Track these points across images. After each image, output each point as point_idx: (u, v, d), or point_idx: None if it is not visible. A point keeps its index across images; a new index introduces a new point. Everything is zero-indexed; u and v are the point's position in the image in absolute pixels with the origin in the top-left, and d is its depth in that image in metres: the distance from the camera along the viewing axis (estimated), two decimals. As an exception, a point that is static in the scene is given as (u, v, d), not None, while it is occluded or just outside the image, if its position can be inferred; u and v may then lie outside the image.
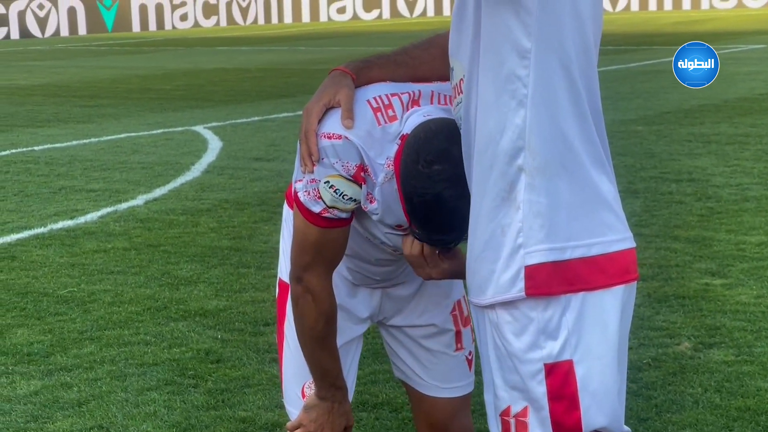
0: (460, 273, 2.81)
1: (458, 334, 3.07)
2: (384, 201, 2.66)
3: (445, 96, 2.70)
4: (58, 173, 10.36)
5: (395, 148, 2.62)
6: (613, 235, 2.38)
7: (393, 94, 2.69)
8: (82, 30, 36.69)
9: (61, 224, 8.15)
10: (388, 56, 2.82)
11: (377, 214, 2.67)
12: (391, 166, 2.62)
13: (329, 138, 2.62)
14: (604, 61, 19.76)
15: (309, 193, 2.66)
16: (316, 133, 2.63)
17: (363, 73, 2.75)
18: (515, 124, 2.32)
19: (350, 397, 3.01)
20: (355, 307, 3.03)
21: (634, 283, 2.45)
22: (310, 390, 2.95)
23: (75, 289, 6.43)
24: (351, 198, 2.65)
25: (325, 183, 2.64)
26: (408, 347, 3.09)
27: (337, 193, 2.65)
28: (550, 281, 2.33)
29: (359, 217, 2.76)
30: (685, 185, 8.78)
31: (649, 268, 6.43)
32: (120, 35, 35.70)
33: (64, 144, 12.21)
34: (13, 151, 11.78)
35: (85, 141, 12.41)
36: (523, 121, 2.32)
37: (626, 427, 2.46)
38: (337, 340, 2.89)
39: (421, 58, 2.80)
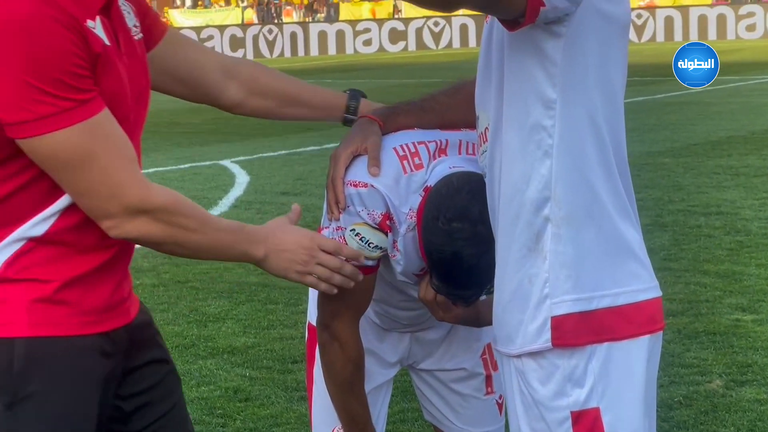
0: (473, 320, 2.81)
1: (488, 378, 3.06)
2: (406, 251, 2.67)
3: (473, 145, 2.70)
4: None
5: (419, 199, 2.64)
6: (639, 284, 2.37)
7: (420, 143, 2.70)
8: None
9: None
10: (415, 103, 2.83)
11: (401, 264, 2.69)
12: (413, 218, 2.64)
13: (355, 186, 2.63)
14: (631, 92, 19.69)
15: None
16: (342, 180, 2.64)
17: (390, 119, 2.76)
18: (541, 174, 2.32)
19: (380, 441, 3.00)
20: (384, 351, 3.03)
21: (660, 333, 2.43)
22: None
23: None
24: (377, 246, 2.66)
25: (351, 231, 2.65)
26: (438, 391, 3.08)
27: (363, 241, 2.65)
28: (576, 331, 2.33)
29: (384, 263, 2.76)
30: (714, 218, 8.74)
31: (678, 303, 6.40)
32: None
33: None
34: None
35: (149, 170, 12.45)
36: (548, 171, 2.31)
37: None
38: (366, 386, 2.89)
39: (448, 104, 2.80)
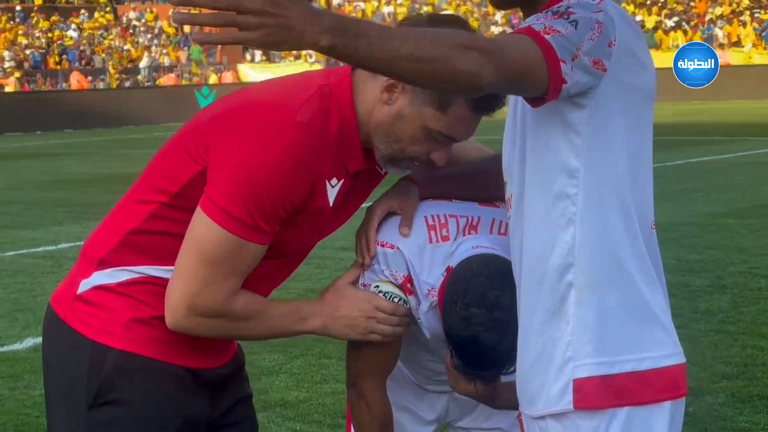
0: (490, 400, 2.84)
1: None
2: (430, 326, 2.75)
3: (505, 225, 2.73)
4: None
5: (441, 279, 2.69)
6: (662, 350, 2.40)
7: (452, 216, 2.77)
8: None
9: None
10: (454, 170, 2.86)
11: (427, 329, 2.75)
12: (435, 297, 2.70)
13: (383, 246, 2.72)
14: (698, 152, 19.66)
15: None
16: (375, 233, 2.73)
17: (430, 184, 2.83)
18: (565, 241, 2.36)
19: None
20: (421, 409, 3.06)
21: (683, 399, 2.45)
22: None
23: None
24: (400, 299, 2.73)
25: (375, 287, 2.73)
26: (476, 449, 3.10)
27: (387, 297, 2.71)
28: (598, 394, 2.35)
29: (414, 323, 2.80)
30: (775, 281, 8.66)
31: (734, 366, 6.35)
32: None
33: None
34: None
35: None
36: (572, 238, 2.35)
37: None
38: None
39: (486, 174, 2.80)
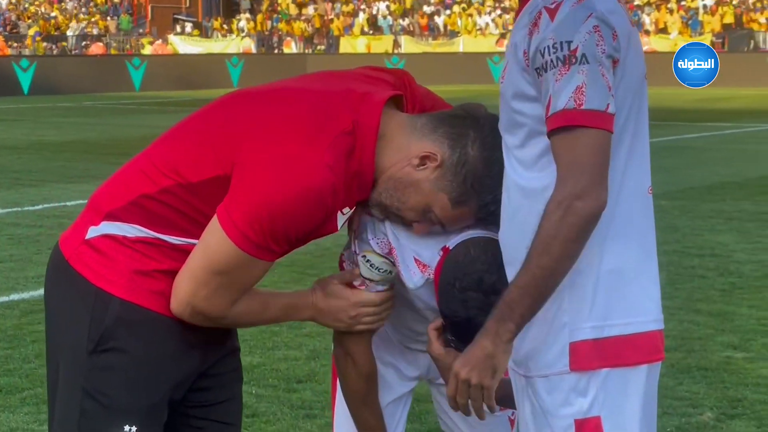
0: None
1: None
2: (423, 298, 2.89)
3: None
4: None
5: (436, 258, 2.81)
6: (647, 315, 2.54)
7: None
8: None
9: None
10: None
11: (413, 282, 2.87)
12: (431, 274, 2.82)
13: (370, 216, 2.86)
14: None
15: (349, 265, 2.91)
16: (362, 207, 2.86)
17: None
18: None
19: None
20: (404, 366, 3.20)
21: (659, 363, 2.60)
22: None
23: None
24: (385, 270, 2.86)
25: (362, 257, 2.86)
26: (454, 404, 3.24)
27: (372, 267, 2.86)
28: (590, 357, 2.49)
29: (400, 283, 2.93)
30: (708, 260, 8.94)
31: (672, 339, 6.57)
32: (147, 94, 36.14)
33: (97, 200, 12.40)
34: (46, 205, 11.96)
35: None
36: None
37: None
38: (386, 397, 3.08)
39: None
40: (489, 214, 2.74)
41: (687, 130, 21.07)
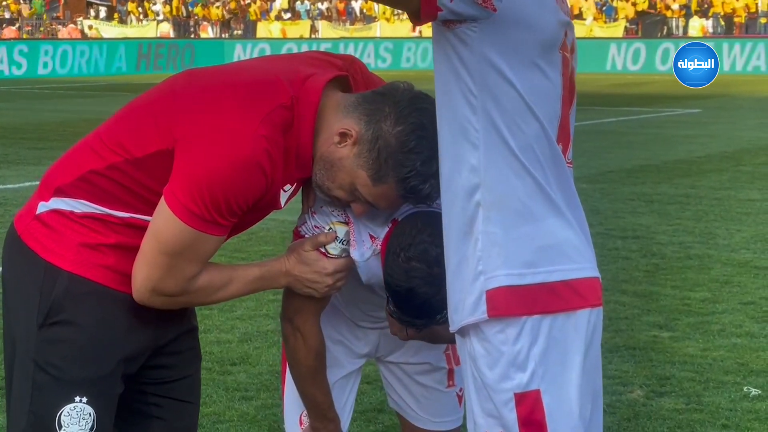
0: (428, 339, 3.02)
1: (450, 372, 3.27)
2: (369, 272, 2.92)
3: None
4: (12, 214, 10.42)
5: (385, 230, 2.86)
6: (572, 264, 2.58)
7: None
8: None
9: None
10: None
11: (364, 256, 2.91)
12: (378, 245, 2.86)
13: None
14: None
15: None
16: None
17: None
18: (471, 163, 2.53)
19: (347, 426, 3.20)
20: (354, 343, 3.24)
21: (599, 309, 2.65)
22: (307, 419, 3.14)
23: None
24: (344, 240, 2.89)
25: (329, 230, 2.89)
26: (403, 382, 3.29)
27: (337, 240, 2.88)
28: (509, 304, 2.54)
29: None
30: (631, 242, 9.08)
31: (599, 319, 6.68)
32: (63, 78, 35.66)
33: (17, 185, 12.27)
34: (-35, 190, 11.84)
35: (37, 182, 12.42)
36: (477, 161, 2.53)
37: None
38: (335, 374, 3.11)
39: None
40: (412, 190, 2.76)
41: (605, 114, 21.33)
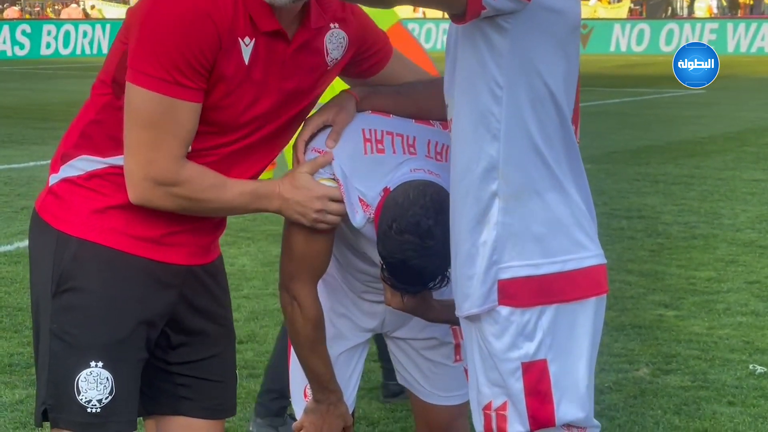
0: (422, 313, 3.04)
1: (457, 347, 3.28)
2: (365, 237, 2.92)
3: (442, 145, 2.92)
4: (18, 193, 10.44)
5: (378, 198, 2.85)
6: (585, 252, 2.62)
7: (388, 132, 2.92)
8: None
9: (27, 242, 8.24)
10: (394, 87, 3.04)
11: (357, 218, 2.89)
12: (371, 213, 2.86)
13: (316, 151, 2.89)
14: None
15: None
16: (305, 143, 2.89)
17: (368, 99, 2.99)
18: (489, 155, 2.56)
19: (352, 399, 3.21)
20: (359, 318, 3.24)
21: (605, 296, 2.70)
22: (311, 392, 3.16)
23: (48, 305, 6.56)
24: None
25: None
26: (411, 357, 3.30)
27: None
28: (521, 294, 2.57)
29: (348, 227, 2.95)
30: (636, 222, 9.09)
31: (606, 299, 6.70)
32: (66, 59, 35.62)
33: (22, 165, 12.28)
34: (-29, 170, 11.85)
35: (42, 162, 12.43)
36: (497, 152, 2.56)
37: (596, 421, 2.71)
38: (339, 346, 3.13)
39: (424, 93, 3.00)
40: None
41: (609, 95, 21.31)
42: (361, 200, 2.87)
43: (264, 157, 2.88)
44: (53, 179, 2.80)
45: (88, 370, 2.73)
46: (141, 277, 2.77)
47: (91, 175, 2.75)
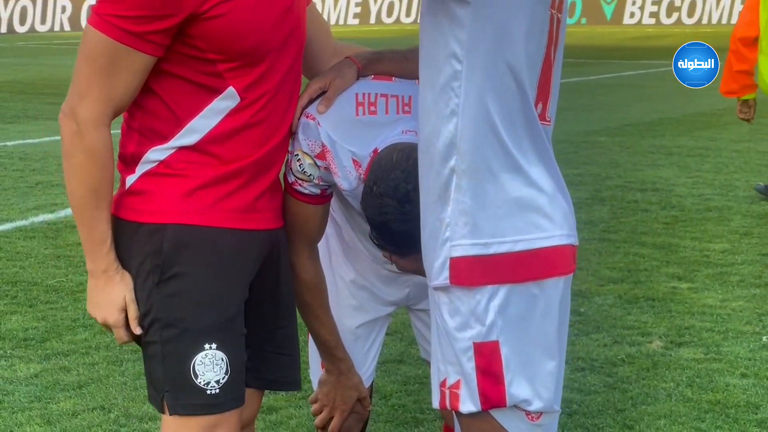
0: (420, 271, 3.04)
1: None
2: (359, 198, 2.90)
3: None
4: (33, 168, 10.47)
5: (368, 159, 2.85)
6: (539, 233, 2.58)
7: (382, 95, 2.91)
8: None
9: (42, 217, 8.30)
10: (400, 51, 3.03)
11: (347, 183, 2.89)
12: (362, 173, 2.85)
13: (307, 117, 2.88)
14: (566, 73, 19.97)
15: (288, 163, 2.92)
16: (302, 109, 2.89)
17: (371, 65, 2.98)
18: (448, 130, 2.54)
19: (369, 373, 3.22)
20: (381, 290, 3.25)
21: (568, 277, 2.65)
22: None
23: (63, 280, 6.59)
24: (311, 175, 2.89)
25: (295, 155, 2.90)
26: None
27: (301, 168, 2.90)
28: (471, 273, 2.56)
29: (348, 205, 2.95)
30: (650, 194, 9.08)
31: (618, 271, 6.71)
32: (79, 34, 35.64)
33: (37, 140, 12.30)
34: (-15, 146, 11.89)
35: (56, 137, 12.36)
36: (455, 128, 2.54)
37: (557, 407, 2.68)
38: (358, 318, 3.12)
39: None
40: None
41: (624, 68, 21.24)
42: (354, 161, 2.86)
43: (285, 118, 2.87)
44: (130, 180, 2.75)
45: (203, 353, 2.71)
46: (238, 250, 2.76)
47: (168, 163, 2.73)
